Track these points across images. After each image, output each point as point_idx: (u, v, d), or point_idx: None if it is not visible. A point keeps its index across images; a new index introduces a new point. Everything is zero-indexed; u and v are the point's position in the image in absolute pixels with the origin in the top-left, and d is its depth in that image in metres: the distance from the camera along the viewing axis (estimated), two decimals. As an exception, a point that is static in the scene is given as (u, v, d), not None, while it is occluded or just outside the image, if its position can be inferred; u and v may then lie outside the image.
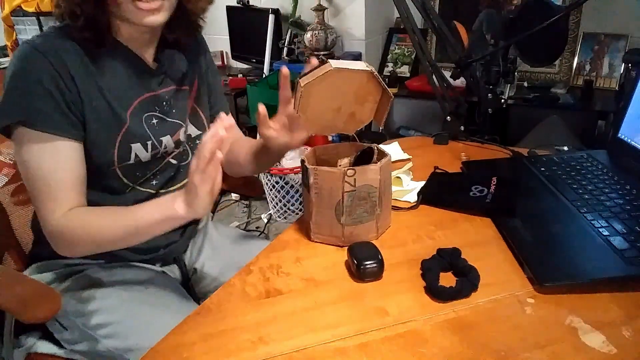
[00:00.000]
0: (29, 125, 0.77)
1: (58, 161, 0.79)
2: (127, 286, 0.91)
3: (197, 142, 0.99)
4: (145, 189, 0.92)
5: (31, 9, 2.54)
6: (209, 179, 0.70)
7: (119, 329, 0.85)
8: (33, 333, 0.91)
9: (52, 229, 0.80)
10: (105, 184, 0.87)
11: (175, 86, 0.93)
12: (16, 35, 2.73)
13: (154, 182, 0.93)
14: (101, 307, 0.87)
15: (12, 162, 1.04)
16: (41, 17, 2.57)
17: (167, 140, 0.91)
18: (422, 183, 0.96)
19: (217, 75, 1.06)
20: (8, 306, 0.75)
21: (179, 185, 0.97)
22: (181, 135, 0.95)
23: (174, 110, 0.93)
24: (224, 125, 0.68)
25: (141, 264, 0.98)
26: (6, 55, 2.78)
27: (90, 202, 0.86)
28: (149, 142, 0.88)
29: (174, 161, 0.95)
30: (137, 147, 0.86)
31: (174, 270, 1.04)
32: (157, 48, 0.91)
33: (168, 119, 0.92)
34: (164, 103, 0.91)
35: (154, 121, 0.90)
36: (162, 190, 0.94)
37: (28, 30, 2.67)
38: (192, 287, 1.07)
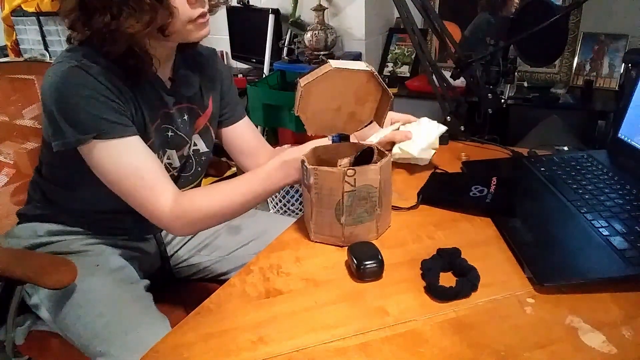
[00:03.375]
0: (101, 137, 0.80)
1: (138, 156, 0.83)
2: (100, 278, 0.91)
3: (204, 157, 1.06)
4: None
5: (31, 9, 2.54)
6: None
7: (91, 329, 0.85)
8: (29, 314, 0.95)
9: (171, 214, 0.83)
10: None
11: (187, 104, 0.98)
12: (16, 35, 2.73)
13: None
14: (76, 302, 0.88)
15: (12, 162, 1.04)
16: (41, 17, 2.57)
17: (171, 153, 0.96)
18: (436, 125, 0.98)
19: (232, 87, 1.10)
20: (30, 274, 0.82)
21: None
22: (185, 151, 1.00)
23: (185, 127, 0.98)
24: None
25: (119, 241, 1.01)
26: (6, 55, 2.78)
27: (91, 198, 0.92)
28: (162, 153, 0.94)
29: (174, 172, 1.00)
30: None
31: (151, 246, 1.08)
32: (172, 68, 0.95)
33: (180, 134, 0.97)
34: (179, 120, 0.96)
35: (170, 134, 0.95)
36: None
37: (28, 30, 2.67)
38: (169, 265, 1.11)
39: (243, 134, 1.11)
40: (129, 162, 0.82)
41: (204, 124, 1.03)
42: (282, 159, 0.84)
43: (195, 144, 1.03)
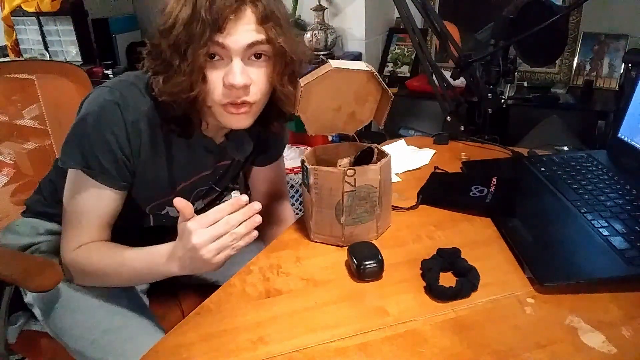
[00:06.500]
0: (87, 173, 0.79)
1: (99, 206, 0.82)
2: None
3: (226, 192, 1.05)
4: (163, 217, 0.95)
5: (31, 9, 2.54)
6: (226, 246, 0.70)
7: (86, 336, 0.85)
8: (23, 313, 0.94)
9: (66, 260, 0.84)
10: (129, 212, 0.88)
11: (231, 161, 0.96)
12: (16, 35, 2.73)
13: (174, 217, 0.96)
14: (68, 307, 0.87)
15: (12, 162, 1.04)
16: (41, 17, 2.57)
17: (199, 204, 0.97)
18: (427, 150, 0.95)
19: (281, 154, 1.07)
20: (15, 277, 0.81)
21: None
22: (213, 196, 1.00)
23: (222, 181, 0.98)
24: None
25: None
26: (6, 55, 2.78)
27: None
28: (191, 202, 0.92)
29: (196, 207, 0.99)
30: (171, 209, 0.91)
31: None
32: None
33: (214, 188, 0.97)
34: (217, 177, 0.96)
35: (203, 189, 0.94)
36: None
37: (28, 30, 2.67)
38: None
39: (268, 176, 1.08)
40: (87, 205, 0.81)
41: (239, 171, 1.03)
42: (173, 250, 0.75)
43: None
